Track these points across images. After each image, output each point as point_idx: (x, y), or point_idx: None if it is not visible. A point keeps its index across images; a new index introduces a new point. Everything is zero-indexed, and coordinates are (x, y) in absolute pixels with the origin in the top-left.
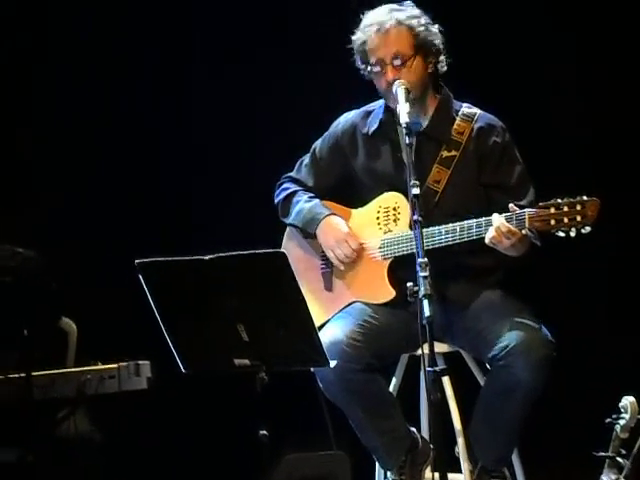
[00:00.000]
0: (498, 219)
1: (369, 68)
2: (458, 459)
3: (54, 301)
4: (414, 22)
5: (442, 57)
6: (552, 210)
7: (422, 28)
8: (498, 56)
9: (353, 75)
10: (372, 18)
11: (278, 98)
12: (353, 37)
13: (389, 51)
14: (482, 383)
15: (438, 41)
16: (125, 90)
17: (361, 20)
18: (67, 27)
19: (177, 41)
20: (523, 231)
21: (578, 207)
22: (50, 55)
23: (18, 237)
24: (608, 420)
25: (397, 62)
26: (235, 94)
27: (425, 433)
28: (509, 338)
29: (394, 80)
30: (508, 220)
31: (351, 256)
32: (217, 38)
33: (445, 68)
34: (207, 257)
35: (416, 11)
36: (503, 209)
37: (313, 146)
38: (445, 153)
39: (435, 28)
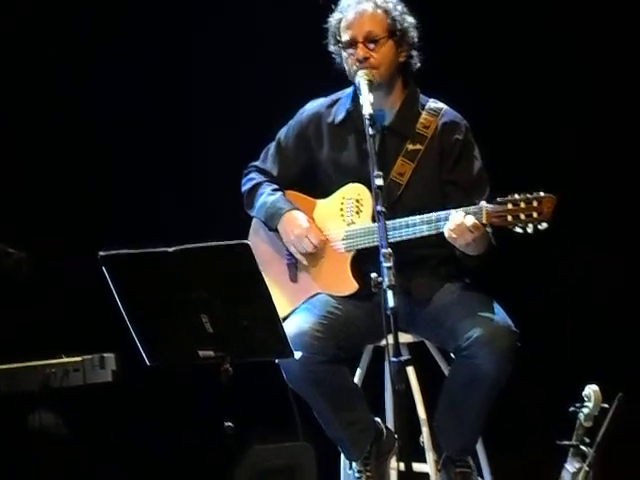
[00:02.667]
0: (457, 214)
1: (341, 47)
2: (423, 449)
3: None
4: (390, 6)
5: (415, 52)
6: (509, 206)
7: (397, 13)
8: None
9: (321, 61)
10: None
11: (243, 84)
12: (329, 18)
13: (362, 30)
14: (446, 373)
15: (413, 33)
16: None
17: (337, 3)
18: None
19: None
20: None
21: (534, 203)
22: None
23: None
24: (572, 409)
25: (369, 42)
26: (203, 77)
27: (390, 423)
28: (473, 329)
29: (364, 59)
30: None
31: (312, 251)
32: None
33: (418, 65)
34: (171, 249)
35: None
36: (458, 206)
37: (278, 135)
38: (410, 146)
39: (411, 19)
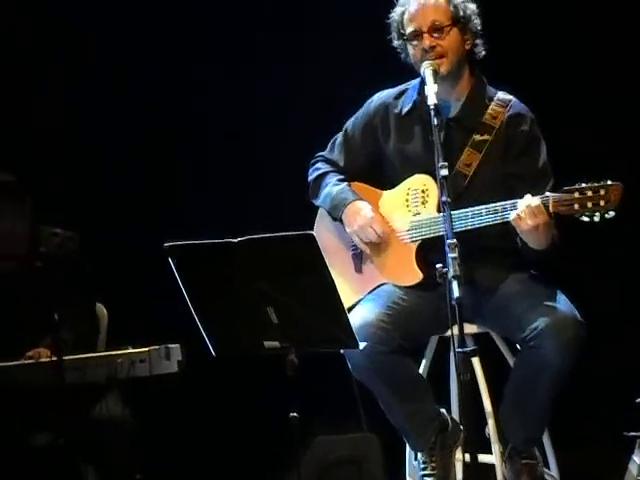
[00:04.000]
0: (530, 198)
1: (406, 40)
2: (488, 440)
3: (88, 285)
4: None
5: (479, 41)
6: (576, 195)
7: (460, 1)
8: (526, 48)
9: (388, 55)
10: None
11: (312, 77)
12: (391, 13)
13: (426, 20)
14: (511, 364)
15: (476, 20)
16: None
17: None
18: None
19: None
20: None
21: (602, 192)
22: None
23: (54, 217)
24: (639, 400)
25: (434, 31)
26: (268, 73)
27: (455, 414)
28: (539, 320)
29: (430, 48)
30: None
31: (376, 241)
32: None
33: (482, 54)
34: (236, 240)
35: None
36: (524, 195)
37: (345, 125)
38: (477, 137)
39: (473, 6)
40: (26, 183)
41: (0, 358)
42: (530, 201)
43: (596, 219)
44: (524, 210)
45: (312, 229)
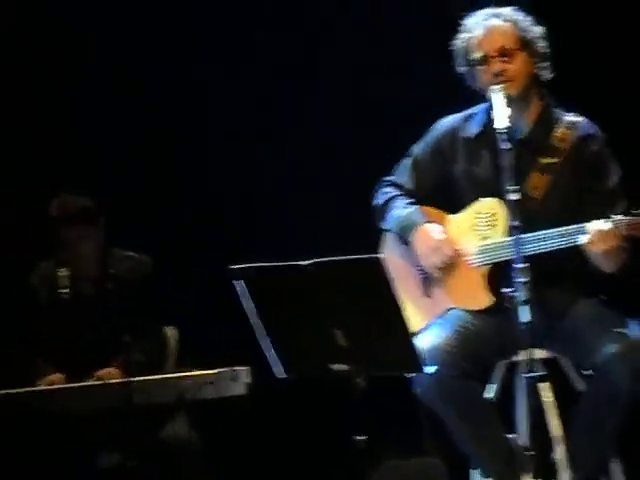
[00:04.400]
0: (602, 222)
1: (472, 65)
2: (557, 467)
3: (159, 308)
4: (519, 18)
5: (546, 63)
6: None
7: (527, 24)
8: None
9: (453, 82)
10: (475, 17)
11: (377, 103)
12: (455, 40)
13: (494, 45)
14: (580, 389)
15: (542, 43)
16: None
17: (461, 26)
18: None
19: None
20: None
21: None
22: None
23: (126, 240)
24: None
25: (503, 55)
26: (332, 96)
27: (523, 441)
28: (609, 345)
29: (500, 72)
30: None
31: (446, 263)
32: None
33: (550, 75)
34: (305, 262)
35: (519, 13)
36: (593, 218)
37: (413, 149)
38: (546, 160)
39: (539, 29)
40: (100, 206)
41: (71, 378)
42: (602, 226)
43: None
44: (596, 234)
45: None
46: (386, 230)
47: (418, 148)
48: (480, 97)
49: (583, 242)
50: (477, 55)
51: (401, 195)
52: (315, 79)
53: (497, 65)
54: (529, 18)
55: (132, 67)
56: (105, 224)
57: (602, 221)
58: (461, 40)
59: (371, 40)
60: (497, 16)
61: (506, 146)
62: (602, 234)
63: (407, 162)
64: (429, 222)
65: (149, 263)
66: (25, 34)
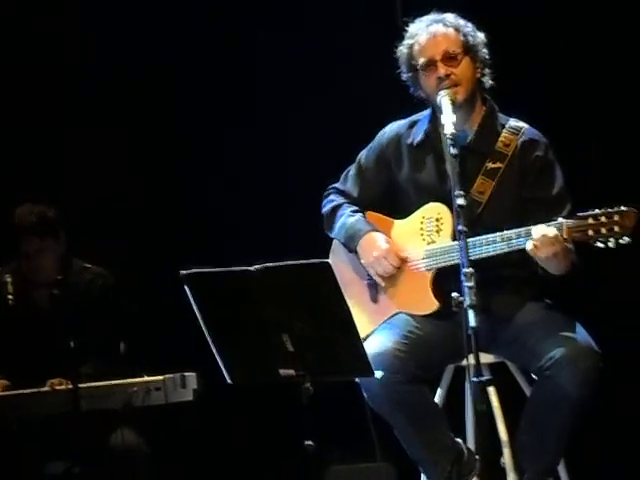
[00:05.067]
0: (546, 227)
1: (417, 71)
2: (504, 470)
3: (116, 323)
4: (461, 23)
5: (487, 70)
6: (590, 220)
7: (469, 30)
8: (539, 71)
9: (399, 87)
10: (419, 24)
11: (324, 108)
12: (399, 46)
13: (439, 49)
14: (528, 393)
15: (485, 50)
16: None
17: (404, 33)
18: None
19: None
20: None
21: (616, 217)
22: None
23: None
24: None
25: (448, 60)
26: (280, 105)
27: (471, 444)
28: (555, 349)
29: (445, 76)
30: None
31: (391, 272)
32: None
33: (490, 83)
34: (253, 267)
35: (461, 19)
36: (539, 223)
37: (358, 157)
38: (490, 164)
39: (482, 36)
40: (61, 217)
41: (18, 385)
42: (546, 230)
43: (610, 245)
44: (540, 239)
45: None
46: (333, 238)
47: (363, 155)
48: (423, 104)
49: (528, 247)
50: (421, 60)
51: (347, 203)
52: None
53: (443, 69)
54: (471, 24)
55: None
56: (66, 236)
57: (546, 225)
58: (405, 46)
59: None
60: (440, 22)
61: (453, 152)
62: (546, 238)
63: (352, 170)
64: (374, 230)
65: (107, 276)
66: None
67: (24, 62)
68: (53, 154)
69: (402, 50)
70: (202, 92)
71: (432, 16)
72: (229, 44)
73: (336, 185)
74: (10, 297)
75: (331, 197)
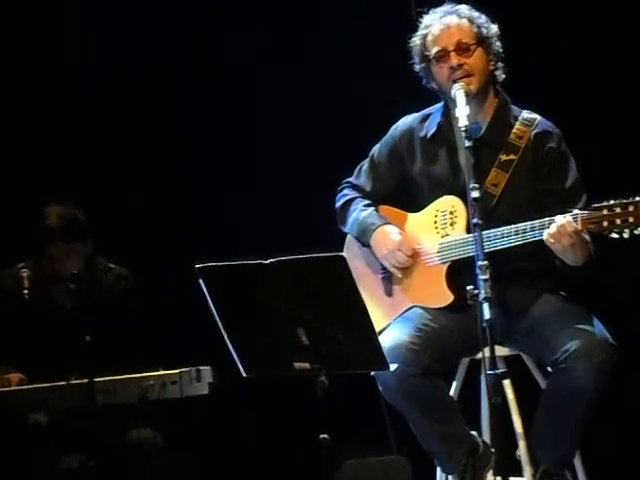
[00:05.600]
0: (563, 217)
1: (430, 62)
2: (519, 463)
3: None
4: (475, 15)
5: (500, 63)
6: (604, 212)
7: (482, 21)
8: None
9: (412, 81)
10: (432, 15)
11: (337, 103)
12: (413, 38)
13: (452, 40)
14: (543, 386)
15: (498, 42)
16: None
17: (419, 26)
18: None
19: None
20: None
21: (630, 208)
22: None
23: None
24: None
25: (461, 50)
26: (295, 98)
27: (486, 437)
28: (570, 342)
29: (458, 66)
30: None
31: (405, 264)
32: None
33: (503, 76)
34: (268, 261)
35: (475, 11)
36: (554, 215)
37: (372, 151)
38: (504, 157)
39: (495, 28)
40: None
41: (34, 378)
42: (562, 221)
43: (625, 236)
44: (557, 231)
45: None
46: (346, 232)
47: (376, 150)
48: (436, 97)
49: (545, 238)
50: (434, 50)
51: (360, 197)
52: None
53: (455, 59)
54: (485, 16)
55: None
56: (92, 238)
57: (562, 216)
58: (418, 37)
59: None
60: (453, 13)
61: (467, 144)
62: (563, 229)
63: (366, 164)
64: (387, 223)
65: (130, 277)
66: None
67: (24, 62)
68: (53, 154)
69: (415, 41)
70: (202, 92)
71: (446, 7)
72: (229, 44)
73: (350, 179)
74: (26, 292)
75: (344, 192)
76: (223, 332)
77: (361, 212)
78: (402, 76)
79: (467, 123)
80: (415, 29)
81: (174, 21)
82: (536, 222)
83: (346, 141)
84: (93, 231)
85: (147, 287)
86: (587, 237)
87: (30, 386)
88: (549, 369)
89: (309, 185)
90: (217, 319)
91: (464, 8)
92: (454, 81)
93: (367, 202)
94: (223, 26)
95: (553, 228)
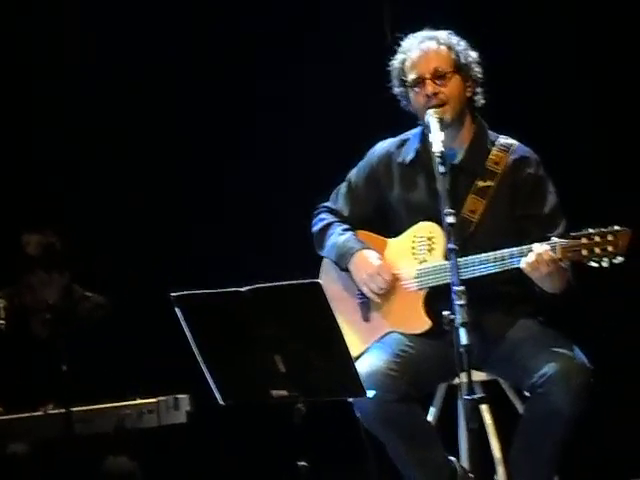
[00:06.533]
0: (540, 246)
1: (407, 87)
2: None
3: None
4: (454, 42)
5: (479, 89)
6: (583, 240)
7: (461, 48)
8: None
9: (389, 104)
10: (412, 39)
11: (312, 127)
12: (392, 60)
13: (429, 67)
14: (520, 411)
15: (477, 68)
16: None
17: (397, 48)
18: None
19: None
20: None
21: (609, 237)
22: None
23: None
24: None
25: (437, 78)
26: (269, 123)
27: (464, 462)
28: (547, 366)
29: (433, 94)
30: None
31: (385, 288)
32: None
33: (482, 102)
34: (244, 289)
35: (455, 36)
36: (534, 241)
37: (349, 175)
38: (481, 183)
39: (475, 54)
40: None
41: (10, 409)
42: (540, 250)
43: (604, 265)
44: (535, 260)
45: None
46: (323, 257)
47: (353, 174)
48: (414, 120)
49: (523, 266)
50: (411, 76)
51: (337, 221)
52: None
53: (431, 87)
54: (465, 42)
55: None
56: (70, 267)
57: (540, 244)
58: (397, 61)
59: None
60: (433, 39)
61: (443, 170)
62: (540, 258)
63: (343, 188)
64: (366, 248)
65: (108, 306)
66: None
67: (24, 62)
68: (53, 154)
69: (394, 64)
70: (202, 92)
71: (425, 32)
72: (229, 44)
73: (326, 204)
74: (1, 322)
75: (321, 216)
76: (200, 360)
77: (340, 236)
78: (379, 100)
79: (441, 149)
80: (393, 52)
81: (174, 21)
82: (515, 249)
83: (322, 165)
84: (70, 259)
85: (124, 315)
86: (566, 265)
87: (7, 416)
88: (527, 394)
89: (287, 207)
90: (194, 347)
91: (444, 34)
92: (428, 108)
93: (345, 226)
94: (223, 26)
95: (531, 257)
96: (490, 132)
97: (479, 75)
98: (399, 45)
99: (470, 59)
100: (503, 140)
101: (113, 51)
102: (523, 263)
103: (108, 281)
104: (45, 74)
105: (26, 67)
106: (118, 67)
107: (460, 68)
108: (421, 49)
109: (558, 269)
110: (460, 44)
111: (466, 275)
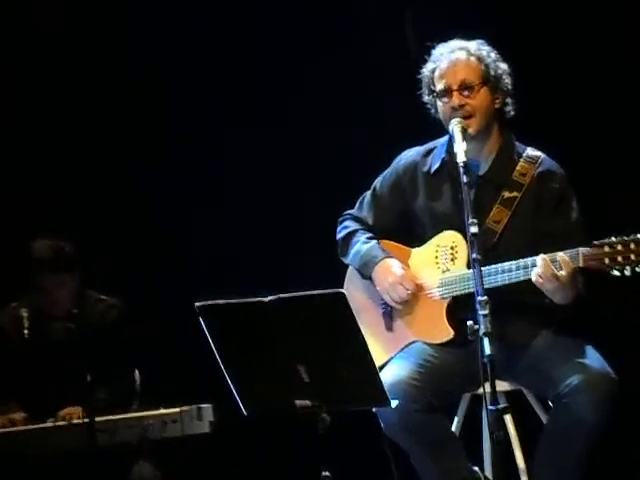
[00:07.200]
0: (541, 260)
1: (436, 96)
2: None
3: (128, 350)
4: (484, 53)
5: (509, 100)
6: (606, 249)
7: (491, 60)
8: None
9: (418, 112)
10: (443, 48)
11: (339, 134)
12: (423, 68)
13: (457, 78)
14: (544, 421)
15: (507, 80)
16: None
17: (428, 58)
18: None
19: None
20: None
21: (632, 245)
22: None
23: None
24: None
25: (464, 89)
26: (296, 131)
27: (488, 472)
28: (572, 376)
29: (460, 106)
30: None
31: (406, 298)
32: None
33: (512, 113)
34: (268, 298)
35: (487, 46)
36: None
37: (374, 183)
38: (507, 194)
39: (505, 66)
40: (78, 251)
41: (34, 417)
42: (539, 270)
43: (627, 273)
44: (542, 273)
45: (342, 287)
46: (348, 264)
47: (378, 182)
48: (442, 128)
49: (533, 278)
50: (439, 86)
51: (362, 229)
52: None
53: (457, 99)
54: (495, 53)
55: None
56: (81, 270)
57: (562, 253)
58: (427, 69)
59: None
60: (463, 49)
61: (465, 180)
62: (548, 273)
63: (368, 196)
64: (389, 257)
65: (121, 307)
66: None
67: (24, 62)
68: (53, 154)
69: (425, 73)
70: (202, 92)
71: (457, 42)
72: (229, 44)
73: (351, 211)
74: (26, 332)
75: (346, 223)
76: (224, 370)
77: (363, 244)
78: (407, 108)
79: (464, 159)
80: (423, 61)
81: (174, 21)
82: (537, 258)
83: (348, 172)
84: (81, 263)
85: (148, 325)
86: (580, 277)
87: (32, 426)
88: (550, 403)
89: (312, 214)
90: (217, 357)
91: (474, 44)
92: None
93: (369, 235)
94: (223, 25)
95: (538, 269)
96: (517, 143)
97: (509, 86)
98: (430, 54)
99: (500, 71)
100: (530, 152)
101: (113, 51)
102: (533, 276)
103: (128, 287)
104: (45, 74)
105: (26, 67)
106: (118, 67)
107: (489, 80)
108: (450, 60)
109: (567, 283)
110: (490, 55)
111: (489, 284)
